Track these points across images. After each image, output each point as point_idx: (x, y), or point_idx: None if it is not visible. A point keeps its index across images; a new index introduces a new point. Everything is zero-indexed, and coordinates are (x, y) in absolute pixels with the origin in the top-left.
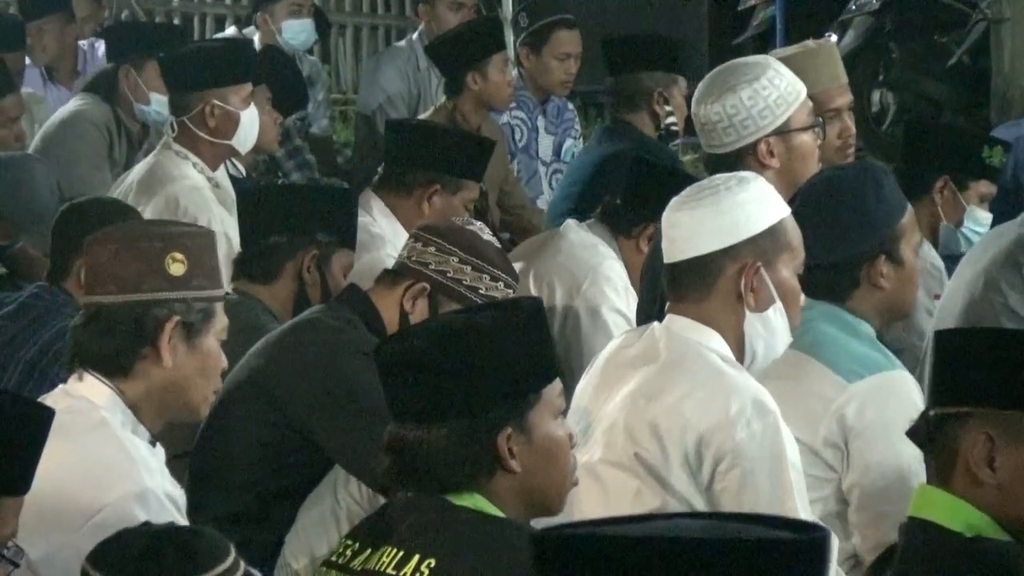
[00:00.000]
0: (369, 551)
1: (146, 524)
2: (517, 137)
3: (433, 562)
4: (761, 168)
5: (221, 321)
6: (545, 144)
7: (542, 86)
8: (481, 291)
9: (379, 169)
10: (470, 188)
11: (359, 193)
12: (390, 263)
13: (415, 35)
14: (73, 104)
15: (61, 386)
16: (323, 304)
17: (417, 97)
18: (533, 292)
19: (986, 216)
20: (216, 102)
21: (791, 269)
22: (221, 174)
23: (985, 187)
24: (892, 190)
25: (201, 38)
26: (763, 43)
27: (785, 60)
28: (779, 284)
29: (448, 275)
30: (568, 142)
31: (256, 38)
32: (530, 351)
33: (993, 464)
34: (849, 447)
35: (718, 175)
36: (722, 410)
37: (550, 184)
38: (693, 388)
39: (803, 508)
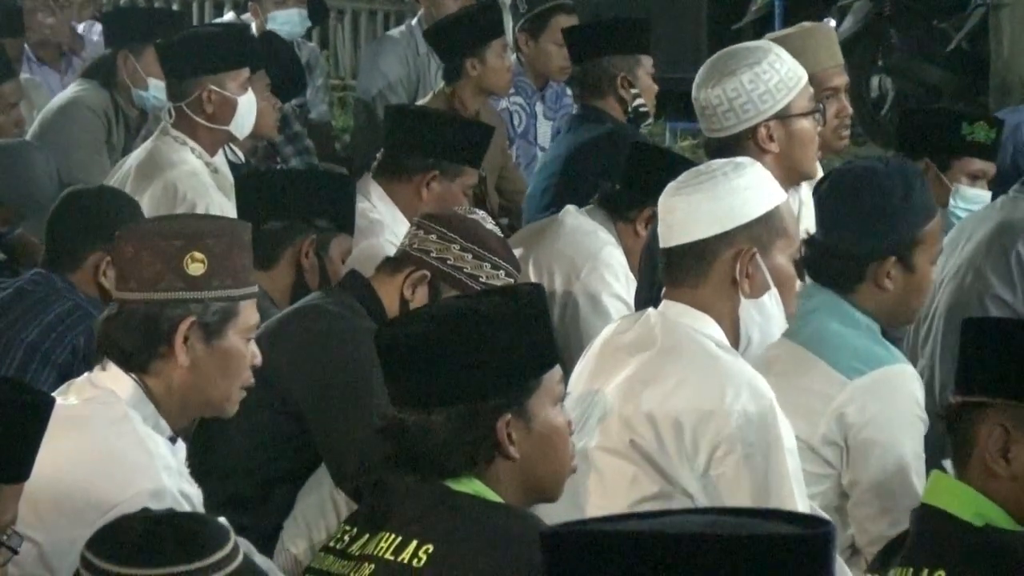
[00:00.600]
0: (367, 536)
1: (145, 510)
2: (516, 123)
3: (431, 547)
4: (761, 152)
5: (248, 319)
6: (544, 130)
7: (541, 71)
8: (482, 279)
9: (378, 155)
10: (469, 174)
11: (358, 179)
12: (389, 249)
13: (414, 20)
14: (71, 90)
15: (87, 374)
16: (323, 290)
17: (416, 83)
18: (533, 278)
19: (976, 193)
20: (213, 88)
21: (786, 256)
22: (219, 160)
23: (972, 164)
24: (921, 195)
25: (200, 24)
26: (762, 28)
27: (782, 40)
28: (774, 270)
29: (449, 263)
30: None
31: (253, 26)
32: (530, 337)
33: (1008, 456)
34: (849, 443)
35: (715, 160)
36: (718, 396)
37: None
38: (688, 374)
39: (800, 493)
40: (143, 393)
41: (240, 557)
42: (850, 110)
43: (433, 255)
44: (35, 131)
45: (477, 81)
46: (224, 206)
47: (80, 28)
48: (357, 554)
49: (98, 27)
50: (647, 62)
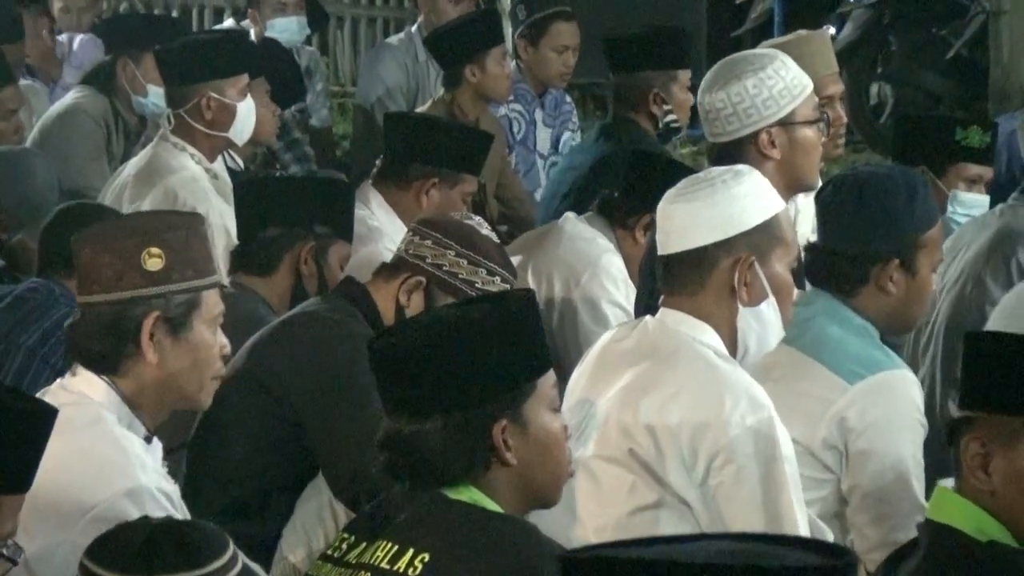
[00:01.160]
0: (364, 544)
1: (144, 518)
2: (515, 130)
3: (427, 556)
4: (762, 159)
5: (212, 308)
6: (543, 137)
7: (540, 78)
8: (477, 285)
9: (377, 162)
10: (468, 181)
11: (357, 186)
12: (387, 256)
13: (414, 27)
14: (71, 97)
15: (59, 380)
16: (321, 296)
17: (416, 89)
18: (532, 285)
19: (974, 197)
20: (213, 94)
21: (785, 264)
22: (219, 166)
23: (968, 169)
24: (925, 201)
25: (199, 30)
26: (762, 35)
27: (778, 48)
28: (772, 278)
29: (444, 268)
30: (566, 135)
31: (252, 32)
32: (523, 342)
33: (987, 470)
34: (849, 448)
35: (714, 168)
36: (716, 405)
37: (548, 176)
38: (687, 384)
39: (798, 502)
40: (116, 394)
41: (239, 565)
42: (845, 118)
43: (428, 261)
44: (35, 138)
45: (476, 88)
46: (224, 212)
47: (62, 38)
48: (354, 562)
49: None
50: (683, 76)
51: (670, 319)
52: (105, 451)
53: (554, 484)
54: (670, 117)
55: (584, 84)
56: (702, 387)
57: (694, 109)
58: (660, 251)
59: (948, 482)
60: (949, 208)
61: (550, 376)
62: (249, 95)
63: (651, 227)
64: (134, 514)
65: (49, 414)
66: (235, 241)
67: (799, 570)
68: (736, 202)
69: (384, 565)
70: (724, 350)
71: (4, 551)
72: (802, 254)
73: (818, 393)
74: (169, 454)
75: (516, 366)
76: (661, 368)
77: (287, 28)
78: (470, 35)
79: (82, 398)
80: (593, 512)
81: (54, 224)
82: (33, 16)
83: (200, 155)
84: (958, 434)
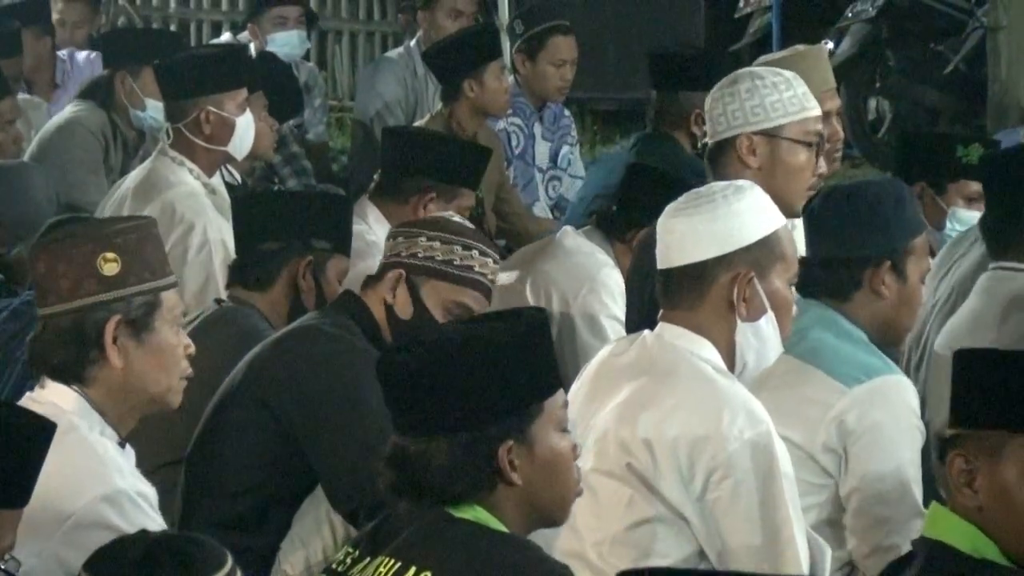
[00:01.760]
0: (367, 560)
1: (143, 532)
2: (514, 143)
3: (429, 575)
4: (742, 166)
5: (172, 308)
6: (541, 150)
7: (538, 92)
8: (456, 262)
9: (375, 176)
10: (466, 195)
11: (355, 200)
12: None
13: (412, 42)
14: (69, 110)
15: (28, 394)
16: (319, 310)
17: (414, 104)
18: (530, 299)
19: (973, 215)
20: (211, 108)
21: (784, 280)
22: (217, 180)
23: (968, 187)
24: (911, 208)
25: (198, 45)
26: (760, 50)
27: (774, 63)
28: (772, 294)
29: (419, 255)
30: (564, 148)
31: (251, 47)
32: (532, 363)
33: (973, 486)
34: (848, 451)
35: (716, 183)
36: (714, 420)
37: (547, 190)
38: (685, 399)
39: (796, 518)
40: (85, 403)
41: None
42: (841, 134)
43: (403, 254)
44: (33, 151)
45: (475, 102)
46: (222, 227)
47: (62, 54)
48: None
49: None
50: None
51: (669, 333)
52: (79, 459)
53: (561, 504)
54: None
55: (582, 98)
56: (700, 402)
57: None
58: (660, 264)
59: None
60: (948, 225)
61: (559, 396)
62: (248, 109)
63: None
64: (113, 518)
65: (48, 429)
66: (233, 256)
67: None
68: (736, 217)
69: None
70: (722, 365)
71: (2, 565)
72: None
73: (817, 397)
74: (166, 468)
75: (524, 387)
76: (659, 383)
77: (287, 42)
78: (468, 49)
79: (53, 408)
80: (591, 526)
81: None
82: (36, 34)
83: (198, 170)
84: (946, 452)
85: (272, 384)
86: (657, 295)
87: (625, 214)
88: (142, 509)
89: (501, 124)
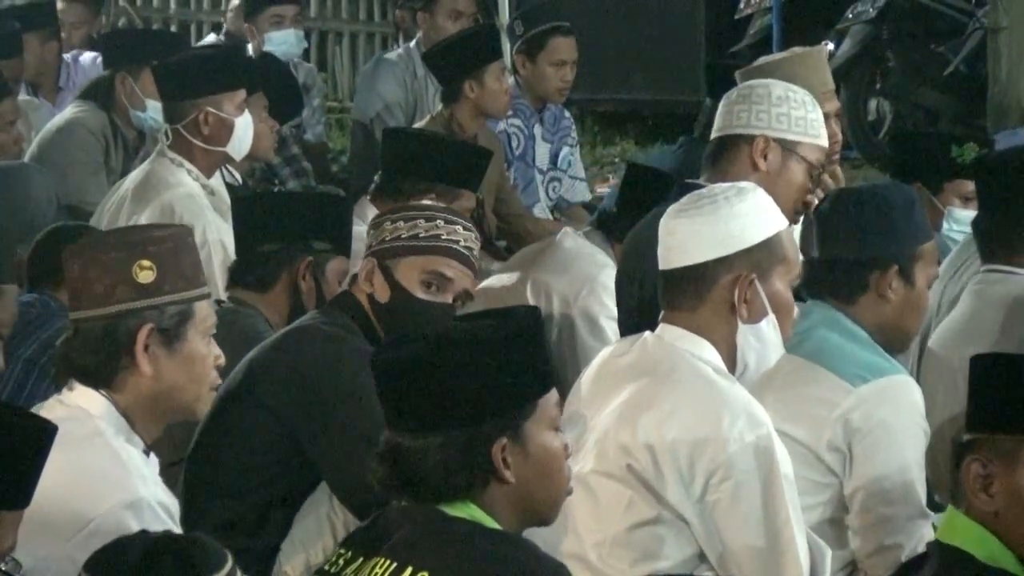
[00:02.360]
0: (361, 560)
1: (143, 532)
2: (514, 145)
3: (427, 575)
4: (749, 165)
5: (205, 319)
6: (542, 152)
7: (539, 93)
8: (421, 235)
9: (375, 177)
10: (466, 197)
11: (355, 201)
12: None
13: (412, 43)
14: (69, 111)
15: (55, 396)
16: (318, 310)
17: (414, 105)
18: (531, 301)
19: (970, 215)
20: (210, 109)
21: (785, 282)
22: (216, 181)
23: (964, 186)
24: (921, 214)
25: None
26: (760, 52)
27: (774, 65)
28: (773, 296)
29: (386, 240)
30: (564, 150)
31: (249, 47)
32: (526, 361)
33: (990, 490)
34: (853, 450)
35: (717, 185)
36: (714, 422)
37: (547, 192)
38: (686, 400)
39: (796, 520)
40: (112, 408)
41: None
42: (840, 136)
43: (373, 245)
44: (33, 152)
45: (475, 103)
46: (221, 228)
47: (67, 57)
48: None
49: (85, 55)
50: None
51: (669, 335)
52: (104, 464)
53: (552, 502)
54: None
55: (583, 100)
56: (700, 404)
57: (685, 126)
58: (661, 265)
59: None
60: (945, 225)
61: (552, 395)
62: (247, 110)
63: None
64: (134, 527)
65: (49, 431)
66: (232, 257)
67: None
68: (738, 219)
69: None
70: (723, 367)
71: (3, 566)
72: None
73: (823, 396)
74: (167, 469)
75: (518, 385)
76: (660, 384)
77: (284, 41)
78: (468, 50)
79: (80, 412)
80: (591, 528)
81: (43, 242)
82: (42, 38)
83: (197, 171)
84: (962, 457)
85: (272, 385)
86: (658, 296)
87: (625, 216)
88: (161, 519)
89: (501, 125)
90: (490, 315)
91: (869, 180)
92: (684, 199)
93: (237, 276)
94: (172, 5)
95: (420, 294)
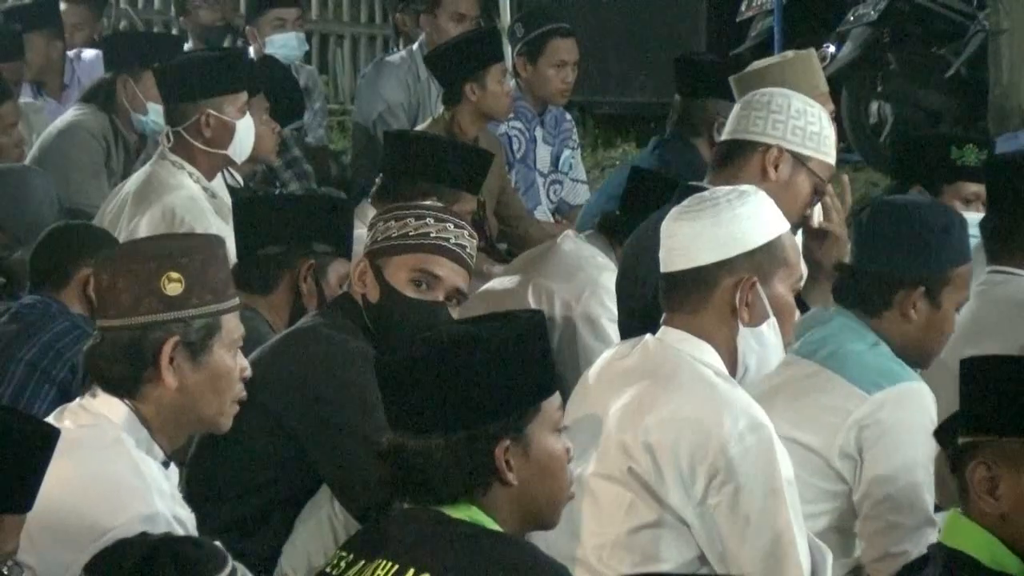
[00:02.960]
0: (363, 563)
1: (143, 534)
2: (515, 147)
3: None
4: (759, 172)
5: (232, 332)
6: (543, 154)
7: (540, 95)
8: (411, 233)
9: (376, 180)
10: (467, 200)
11: (356, 204)
12: None
13: (415, 45)
14: (70, 114)
15: (78, 400)
16: (319, 311)
17: (417, 107)
18: (532, 303)
19: (971, 216)
20: (211, 112)
21: (787, 285)
22: (218, 184)
23: (965, 188)
24: (960, 236)
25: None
26: (761, 54)
27: (764, 70)
28: (774, 300)
29: (377, 240)
30: (566, 152)
31: (251, 50)
32: (530, 364)
33: (995, 493)
34: (864, 456)
35: (720, 188)
36: (715, 425)
37: (548, 194)
38: (686, 402)
39: (797, 523)
40: (135, 418)
41: None
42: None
43: (365, 248)
44: (34, 154)
45: (476, 106)
46: (222, 231)
47: (70, 54)
48: None
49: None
50: None
51: (670, 337)
52: (123, 475)
53: (553, 506)
54: None
55: (584, 102)
56: (701, 406)
57: None
58: (663, 268)
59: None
60: None
61: (555, 398)
62: (248, 113)
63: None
64: None
65: (52, 435)
66: (233, 260)
67: None
68: (739, 222)
69: None
70: (724, 369)
71: (4, 570)
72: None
73: (837, 404)
74: None
75: (522, 387)
76: (661, 387)
77: (286, 44)
78: (470, 53)
79: (101, 419)
80: (592, 531)
81: (44, 244)
82: (46, 37)
83: (198, 173)
84: (964, 460)
85: (272, 387)
86: (659, 298)
87: (628, 220)
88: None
89: (502, 128)
90: (496, 318)
91: (870, 183)
92: (686, 201)
93: (238, 279)
94: (173, 8)
95: (409, 292)
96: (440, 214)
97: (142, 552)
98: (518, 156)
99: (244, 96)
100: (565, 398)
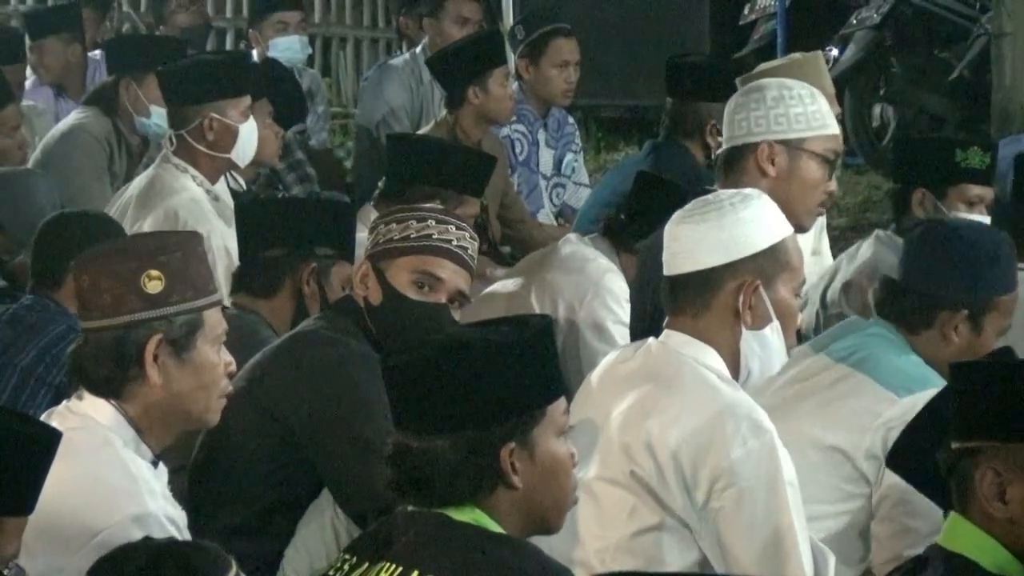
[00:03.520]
0: (367, 565)
1: (147, 539)
2: (518, 151)
3: None
4: (760, 175)
5: (215, 327)
6: (545, 158)
7: (543, 97)
8: (412, 235)
9: (379, 183)
10: (470, 203)
11: (359, 207)
12: None
13: (418, 48)
14: (74, 117)
15: (64, 403)
16: (321, 314)
17: (419, 111)
18: (535, 306)
19: (975, 219)
20: (214, 115)
21: (790, 289)
22: (221, 187)
23: (969, 190)
24: (1008, 264)
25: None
26: (764, 57)
27: (771, 72)
28: (777, 303)
29: (379, 243)
30: (568, 156)
31: (254, 53)
32: (537, 368)
33: (1004, 498)
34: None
35: (723, 191)
36: (718, 429)
37: (551, 198)
38: (689, 406)
39: (800, 526)
40: (122, 418)
41: None
42: (840, 140)
43: (367, 250)
44: (37, 158)
45: (479, 109)
46: (225, 234)
47: (95, 55)
48: None
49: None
50: None
51: (673, 340)
52: (113, 476)
53: (557, 510)
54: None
55: (587, 105)
56: (704, 410)
57: None
58: (666, 271)
59: None
60: None
61: (561, 403)
62: (251, 116)
63: (641, 256)
64: None
65: (53, 438)
66: (236, 263)
67: None
68: (743, 225)
69: None
70: (727, 373)
71: (6, 573)
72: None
73: (868, 407)
74: (171, 475)
75: (529, 391)
76: (664, 390)
77: (289, 47)
78: (472, 56)
79: (89, 421)
80: (594, 534)
81: (39, 241)
82: (66, 40)
83: (201, 177)
84: (965, 464)
85: (274, 390)
86: (662, 302)
87: (634, 224)
88: (169, 534)
89: (505, 131)
90: (504, 322)
91: (872, 186)
92: (689, 205)
93: (241, 282)
94: (152, 18)
95: (411, 294)
96: (442, 216)
97: (145, 557)
98: (521, 159)
99: (247, 100)
100: (569, 401)
